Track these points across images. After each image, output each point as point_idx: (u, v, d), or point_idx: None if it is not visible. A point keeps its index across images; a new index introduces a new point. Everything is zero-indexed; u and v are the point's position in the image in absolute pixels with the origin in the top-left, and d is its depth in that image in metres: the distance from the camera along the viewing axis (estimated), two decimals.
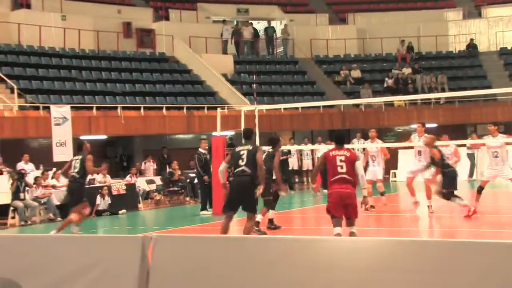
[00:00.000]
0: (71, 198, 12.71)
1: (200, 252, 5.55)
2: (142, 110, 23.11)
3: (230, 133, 21.62)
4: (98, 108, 22.26)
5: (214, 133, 17.68)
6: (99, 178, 19.37)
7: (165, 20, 30.06)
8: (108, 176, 19.79)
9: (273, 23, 32.27)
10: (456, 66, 31.28)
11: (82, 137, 21.07)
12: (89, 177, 18.58)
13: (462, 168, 23.65)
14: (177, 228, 14.18)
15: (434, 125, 25.92)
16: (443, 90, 28.30)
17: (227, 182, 10.86)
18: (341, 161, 8.80)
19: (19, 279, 5.56)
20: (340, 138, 9.17)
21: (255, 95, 22.98)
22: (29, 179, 17.45)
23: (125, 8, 29.71)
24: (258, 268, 5.28)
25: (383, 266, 4.95)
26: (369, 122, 27.26)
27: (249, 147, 10.35)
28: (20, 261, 5.89)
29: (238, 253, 5.43)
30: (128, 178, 20.60)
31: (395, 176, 25.47)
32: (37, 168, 19.39)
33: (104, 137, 23.94)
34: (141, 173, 22.49)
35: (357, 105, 28.02)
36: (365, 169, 15.26)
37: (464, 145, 21.86)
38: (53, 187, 17.71)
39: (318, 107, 26.63)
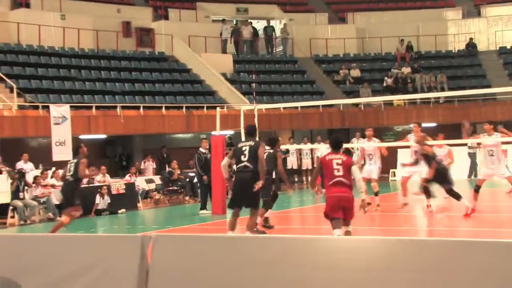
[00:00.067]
0: (63, 200, 12.75)
1: (199, 251, 5.55)
2: (141, 109, 23.10)
3: (229, 132, 21.64)
4: (97, 108, 22.24)
5: (213, 133, 17.67)
6: (99, 178, 19.38)
7: (165, 19, 30.04)
8: (107, 175, 19.81)
9: (272, 23, 32.24)
10: (455, 65, 31.29)
11: (82, 137, 21.16)
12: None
13: (462, 168, 23.76)
14: (176, 228, 14.18)
15: (434, 124, 25.95)
16: (442, 90, 28.33)
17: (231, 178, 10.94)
18: (337, 164, 8.85)
19: (18, 279, 5.56)
20: (337, 142, 9.19)
21: (254, 95, 22.97)
22: (29, 178, 17.45)
23: (124, 7, 29.70)
24: (257, 268, 5.28)
25: (382, 265, 4.95)
26: (369, 122, 27.23)
27: (251, 142, 10.43)
28: (19, 260, 5.88)
29: (237, 253, 5.43)
30: (127, 177, 20.61)
31: (394, 175, 25.47)
32: (37, 167, 19.39)
33: (103, 136, 23.93)
34: (140, 172, 22.50)
35: (357, 105, 28.02)
36: (362, 167, 15.32)
37: (465, 144, 21.87)
38: (53, 186, 17.70)
39: (318, 106, 26.63)
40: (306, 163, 25.49)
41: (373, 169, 15.38)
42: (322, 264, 5.10)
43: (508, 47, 31.59)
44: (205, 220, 15.66)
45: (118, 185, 19.00)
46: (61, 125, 19.87)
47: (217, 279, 5.36)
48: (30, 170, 18.75)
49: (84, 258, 5.72)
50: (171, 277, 5.49)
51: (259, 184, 10.06)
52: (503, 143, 14.33)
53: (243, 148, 10.36)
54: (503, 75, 29.81)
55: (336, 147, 9.12)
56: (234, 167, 10.83)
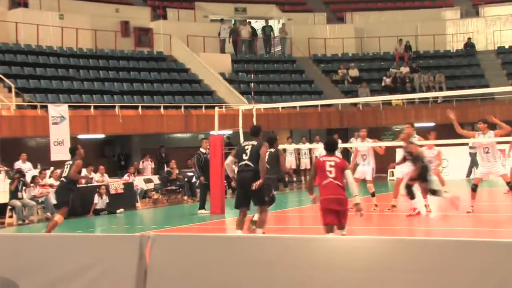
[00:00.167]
0: (57, 200, 12.77)
1: (198, 251, 5.54)
2: (140, 109, 23.08)
3: (228, 132, 21.63)
4: (96, 107, 22.22)
5: (211, 132, 17.67)
6: (97, 177, 19.38)
7: (163, 19, 30.03)
8: (105, 175, 19.80)
9: (271, 22, 32.24)
10: (453, 65, 31.31)
11: (80, 136, 21.15)
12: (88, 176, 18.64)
13: (462, 168, 23.77)
14: (175, 227, 14.17)
15: (432, 124, 25.95)
16: (440, 89, 28.35)
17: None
18: (330, 166, 8.90)
19: (16, 279, 5.56)
20: (331, 145, 9.25)
21: (253, 94, 22.97)
22: (27, 178, 17.44)
23: (123, 7, 29.68)
24: (256, 267, 5.28)
25: (382, 265, 4.95)
26: (367, 121, 27.28)
27: (254, 142, 10.50)
28: (17, 260, 5.88)
29: (236, 252, 5.43)
30: (126, 177, 20.60)
31: (392, 175, 25.45)
32: (35, 167, 19.38)
33: (102, 136, 23.92)
34: (139, 172, 22.49)
35: (355, 104, 28.03)
36: (355, 168, 15.30)
37: (466, 144, 21.87)
38: (51, 186, 17.67)
39: (316, 106, 26.63)
40: (305, 163, 25.49)
41: (366, 170, 15.33)
42: (321, 264, 5.10)
43: (506, 46, 31.61)
44: (204, 219, 15.66)
45: (116, 184, 18.99)
46: (59, 124, 19.85)
47: (216, 279, 5.36)
48: (28, 170, 18.74)
49: (83, 258, 5.71)
50: (170, 276, 5.49)
51: (257, 183, 10.10)
52: (499, 143, 14.38)
53: (246, 147, 10.45)
54: (501, 75, 29.83)
55: (330, 149, 9.18)
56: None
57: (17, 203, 16.42)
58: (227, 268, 5.35)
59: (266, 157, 10.71)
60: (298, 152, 25.60)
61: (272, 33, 31.69)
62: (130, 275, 5.47)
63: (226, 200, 17.07)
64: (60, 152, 18.98)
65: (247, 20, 31.71)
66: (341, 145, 18.48)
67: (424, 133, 16.86)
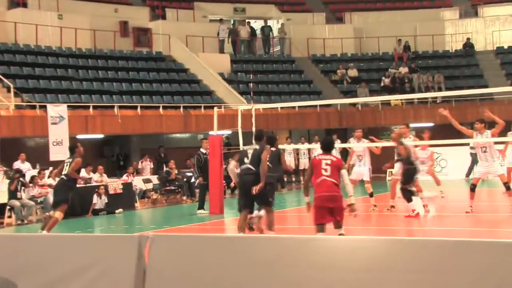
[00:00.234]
0: (56, 197, 12.76)
1: (197, 251, 5.54)
2: (139, 109, 23.07)
3: (227, 132, 21.62)
4: (94, 107, 22.21)
5: (211, 132, 17.66)
6: (96, 177, 19.37)
7: (162, 19, 30.01)
8: (104, 175, 19.79)
9: (270, 22, 32.23)
10: (452, 65, 31.32)
11: (79, 136, 21.12)
12: (86, 176, 18.63)
13: (462, 168, 23.75)
14: (174, 227, 14.17)
15: (431, 124, 25.95)
16: (439, 89, 28.35)
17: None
18: (326, 164, 8.94)
19: (15, 279, 5.55)
20: (327, 145, 9.31)
21: (252, 94, 22.97)
22: (26, 178, 17.43)
23: (121, 7, 29.66)
24: (255, 268, 5.27)
25: (381, 265, 4.94)
26: (366, 121, 27.30)
27: (257, 146, 10.65)
28: (16, 260, 5.87)
29: (235, 253, 5.43)
30: (125, 177, 20.60)
31: (391, 175, 25.44)
32: (34, 167, 19.37)
33: (101, 136, 23.91)
34: (138, 172, 22.48)
35: (354, 104, 28.03)
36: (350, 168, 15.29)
37: (467, 144, 21.86)
38: (50, 186, 17.63)
39: (315, 106, 26.63)
40: (304, 163, 25.47)
41: (363, 170, 15.32)
42: (320, 264, 5.10)
43: (505, 47, 31.62)
44: (203, 220, 15.65)
45: (115, 185, 18.98)
46: (58, 124, 19.84)
47: (215, 279, 5.36)
48: (27, 170, 18.74)
49: (81, 258, 5.71)
50: (168, 277, 5.48)
51: (257, 188, 10.16)
52: (497, 143, 14.39)
53: (248, 151, 10.61)
54: (500, 75, 29.84)
55: (327, 149, 9.22)
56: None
57: (16, 203, 16.41)
58: (226, 268, 5.35)
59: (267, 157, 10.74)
60: (297, 152, 25.59)
61: (271, 33, 31.69)
62: (129, 275, 5.47)
63: (225, 200, 17.07)
64: (59, 152, 18.97)
65: (246, 20, 31.71)
66: (338, 145, 18.52)
67: (419, 133, 16.89)
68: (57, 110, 20.03)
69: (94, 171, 19.66)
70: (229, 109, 21.98)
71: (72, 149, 12.90)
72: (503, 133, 17.96)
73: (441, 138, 17.50)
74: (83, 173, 17.84)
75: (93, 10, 28.28)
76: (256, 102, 21.90)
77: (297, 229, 13.72)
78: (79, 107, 22.05)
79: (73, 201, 13.31)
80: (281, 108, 25.08)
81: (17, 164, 18.98)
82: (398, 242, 5.17)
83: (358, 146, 15.42)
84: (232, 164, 11.09)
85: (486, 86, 26.76)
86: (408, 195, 13.45)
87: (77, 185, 13.73)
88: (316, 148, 21.97)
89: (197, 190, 19.19)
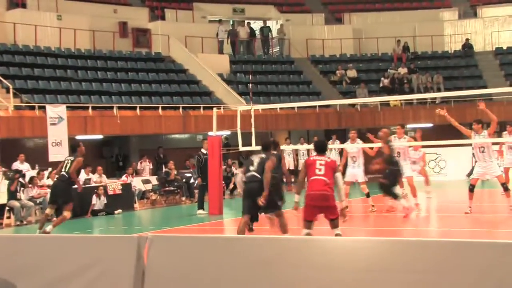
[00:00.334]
0: (61, 196, 12.75)
1: (196, 252, 5.54)
2: (138, 110, 23.07)
3: (226, 133, 21.62)
4: (93, 108, 22.21)
5: (210, 133, 17.67)
6: (95, 178, 19.36)
7: (161, 19, 30.01)
8: (104, 176, 19.78)
9: (269, 23, 32.23)
10: (451, 66, 31.33)
11: (78, 137, 21.09)
12: (85, 176, 18.63)
13: (463, 168, 23.75)
14: (173, 228, 14.17)
15: (430, 124, 25.97)
16: (438, 90, 28.34)
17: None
18: (320, 164, 9.02)
19: (14, 279, 5.54)
20: (321, 147, 9.41)
21: (251, 95, 22.96)
22: (25, 179, 17.42)
23: (121, 7, 29.66)
24: (254, 268, 5.27)
25: (380, 266, 4.94)
26: (365, 122, 27.31)
27: (263, 155, 10.65)
28: (15, 261, 5.87)
29: (234, 253, 5.43)
30: (124, 178, 20.58)
31: None
32: (33, 168, 19.36)
33: (100, 137, 23.90)
34: (137, 173, 22.47)
35: (353, 105, 28.03)
36: (344, 169, 15.28)
37: (469, 145, 21.89)
38: (49, 187, 17.65)
39: (314, 107, 26.63)
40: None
41: (357, 172, 15.29)
42: (319, 264, 5.10)
43: (504, 47, 31.65)
44: (202, 220, 15.66)
45: (114, 185, 18.97)
46: (57, 125, 19.84)
47: (213, 280, 5.36)
48: (26, 170, 18.72)
49: (81, 259, 5.70)
50: (168, 277, 5.48)
51: (262, 199, 10.18)
52: (495, 144, 14.42)
53: (254, 159, 10.63)
54: (499, 76, 29.86)
55: (320, 150, 9.29)
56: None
57: (15, 203, 16.40)
58: (225, 269, 5.35)
59: None
60: (296, 152, 25.59)
61: (270, 34, 31.69)
62: (128, 276, 5.46)
63: (224, 201, 17.06)
64: (58, 153, 18.99)
65: (245, 21, 31.70)
66: (332, 145, 18.51)
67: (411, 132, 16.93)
68: (56, 111, 20.03)
69: (93, 172, 19.66)
70: (228, 109, 21.98)
71: (74, 148, 12.90)
72: (498, 134, 17.99)
73: (440, 139, 17.50)
74: (82, 173, 17.86)
75: (92, 10, 28.27)
76: (255, 103, 21.90)
77: (296, 230, 13.72)
78: (78, 108, 22.05)
79: (72, 201, 13.28)
80: (280, 108, 25.09)
81: (16, 165, 18.96)
82: (397, 243, 5.17)
83: (352, 147, 15.41)
84: (239, 176, 11.18)
85: (485, 87, 26.78)
86: (392, 193, 13.47)
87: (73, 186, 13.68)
88: None
89: (196, 191, 19.18)
